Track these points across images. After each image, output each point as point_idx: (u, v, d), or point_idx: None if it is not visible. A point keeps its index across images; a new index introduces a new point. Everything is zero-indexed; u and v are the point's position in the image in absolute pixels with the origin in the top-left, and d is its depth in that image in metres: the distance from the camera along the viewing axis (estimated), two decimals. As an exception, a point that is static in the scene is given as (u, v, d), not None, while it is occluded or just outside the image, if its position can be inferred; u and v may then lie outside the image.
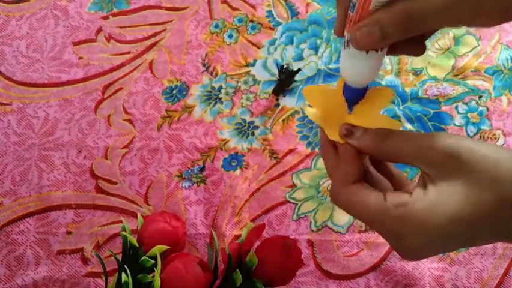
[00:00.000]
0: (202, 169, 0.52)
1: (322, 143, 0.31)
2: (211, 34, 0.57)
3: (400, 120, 0.52)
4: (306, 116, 0.53)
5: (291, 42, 0.56)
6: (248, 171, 0.52)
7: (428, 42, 0.56)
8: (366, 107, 0.31)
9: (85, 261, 0.49)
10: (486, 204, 0.23)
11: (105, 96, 0.55)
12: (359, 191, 0.27)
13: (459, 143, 0.24)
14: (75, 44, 0.57)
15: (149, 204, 0.51)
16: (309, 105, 0.32)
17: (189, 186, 0.51)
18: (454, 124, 0.53)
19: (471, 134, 0.52)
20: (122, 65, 0.56)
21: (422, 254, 0.26)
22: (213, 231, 0.47)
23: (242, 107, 0.54)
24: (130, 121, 0.54)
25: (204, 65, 0.56)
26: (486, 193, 0.23)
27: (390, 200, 0.25)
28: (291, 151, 0.52)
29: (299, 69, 0.53)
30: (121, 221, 0.50)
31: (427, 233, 0.24)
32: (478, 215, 0.23)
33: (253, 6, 0.58)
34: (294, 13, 0.58)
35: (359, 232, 0.50)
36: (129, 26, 0.58)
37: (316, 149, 0.52)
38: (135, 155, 0.53)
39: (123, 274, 0.39)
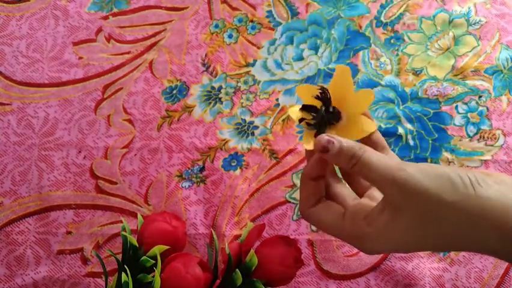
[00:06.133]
0: (202, 169, 0.52)
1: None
2: (211, 34, 0.57)
3: (400, 121, 0.52)
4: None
5: (291, 42, 0.56)
6: (248, 171, 0.52)
7: (428, 42, 0.56)
8: (349, 109, 0.32)
9: (85, 261, 0.49)
10: (424, 236, 0.27)
11: (105, 96, 0.55)
12: (321, 212, 0.31)
13: (408, 177, 0.26)
14: (75, 44, 0.57)
15: (149, 204, 0.51)
16: (300, 105, 0.33)
17: (189, 186, 0.51)
18: (454, 124, 0.53)
19: (471, 134, 0.52)
20: (122, 65, 0.56)
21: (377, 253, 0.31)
22: (213, 231, 0.47)
23: (242, 107, 0.54)
24: (130, 121, 0.54)
25: (203, 65, 0.56)
26: (426, 228, 0.26)
27: (347, 219, 0.30)
28: (291, 151, 0.52)
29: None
30: (121, 221, 0.50)
31: (376, 249, 0.29)
32: (419, 242, 0.27)
33: (253, 6, 0.58)
34: (294, 13, 0.58)
35: (359, 232, 0.49)
36: (129, 26, 0.58)
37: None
38: (135, 155, 0.53)
39: (123, 274, 0.39)
